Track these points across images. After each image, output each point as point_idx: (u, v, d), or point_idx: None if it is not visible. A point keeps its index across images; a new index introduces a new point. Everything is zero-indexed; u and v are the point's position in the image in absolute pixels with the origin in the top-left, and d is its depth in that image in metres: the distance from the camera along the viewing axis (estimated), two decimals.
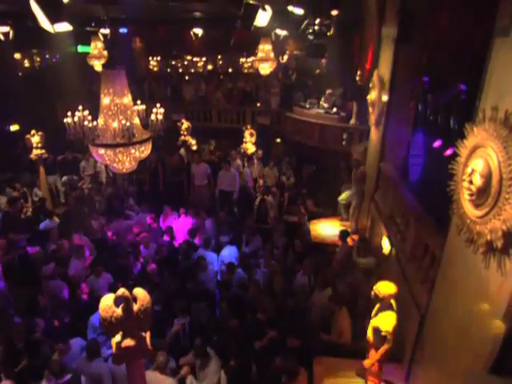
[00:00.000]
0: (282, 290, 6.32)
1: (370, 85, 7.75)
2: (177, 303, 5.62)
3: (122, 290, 2.69)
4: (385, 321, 4.13)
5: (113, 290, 2.81)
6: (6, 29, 11.27)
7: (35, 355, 5.12)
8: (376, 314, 4.30)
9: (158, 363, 4.50)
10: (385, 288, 4.14)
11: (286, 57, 16.74)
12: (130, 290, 2.76)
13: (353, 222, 8.27)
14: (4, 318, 5.63)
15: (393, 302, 4.19)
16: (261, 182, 10.49)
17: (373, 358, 4.31)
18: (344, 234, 7.32)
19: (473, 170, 2.98)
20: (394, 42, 6.87)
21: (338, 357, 5.12)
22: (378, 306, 4.29)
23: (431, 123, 6.05)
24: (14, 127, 13.68)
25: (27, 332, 5.36)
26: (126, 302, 2.68)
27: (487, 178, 2.84)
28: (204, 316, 5.73)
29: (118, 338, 2.80)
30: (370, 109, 7.79)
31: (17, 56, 16.49)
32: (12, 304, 6.24)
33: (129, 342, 2.77)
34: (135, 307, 2.73)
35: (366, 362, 4.38)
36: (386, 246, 6.17)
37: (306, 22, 7.92)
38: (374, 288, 4.21)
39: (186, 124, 11.82)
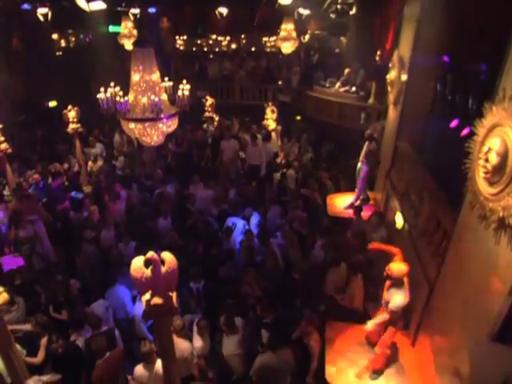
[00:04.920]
0: (297, 260, 6.37)
1: (390, 64, 7.47)
2: (192, 269, 5.70)
3: (150, 253, 2.76)
4: (397, 299, 4.11)
5: (141, 253, 2.88)
6: (45, 10, 11.34)
7: (72, 310, 5.38)
8: (387, 290, 4.27)
9: (175, 326, 4.49)
10: (397, 268, 4.11)
11: (307, 36, 16.26)
12: (159, 254, 2.84)
13: (357, 194, 8.13)
14: (49, 276, 5.90)
15: (405, 279, 4.15)
16: (282, 156, 10.45)
17: (383, 340, 4.33)
18: (358, 209, 7.26)
19: (489, 149, 2.88)
20: (416, 22, 6.55)
21: (348, 322, 5.18)
22: (388, 283, 4.26)
23: (449, 102, 5.83)
24: (53, 103, 13.92)
25: (66, 289, 5.63)
26: (154, 264, 2.76)
27: (503, 156, 2.75)
28: (233, 273, 5.83)
29: (147, 296, 2.91)
30: (389, 88, 7.54)
31: (54, 36, 16.57)
32: (54, 263, 6.55)
33: (157, 300, 2.87)
34: (163, 269, 2.81)
35: (368, 326, 4.44)
36: (399, 220, 6.10)
37: (329, 1, 7.60)
38: (386, 268, 4.17)
39: (210, 101, 11.75)
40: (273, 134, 10.72)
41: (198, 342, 4.79)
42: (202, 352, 4.78)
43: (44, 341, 4.75)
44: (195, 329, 4.85)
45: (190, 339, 4.84)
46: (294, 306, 5.50)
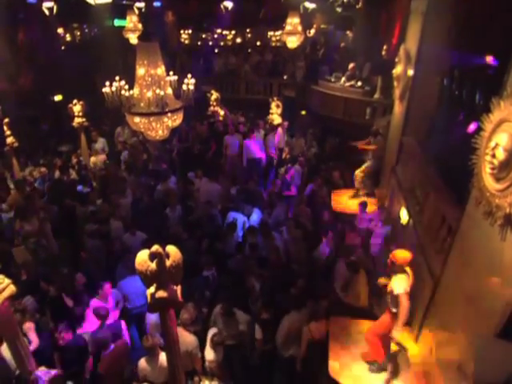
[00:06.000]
0: (303, 256, 6.38)
1: (396, 59, 7.41)
2: (204, 258, 5.76)
3: (156, 247, 2.78)
4: (397, 283, 4.04)
5: (147, 246, 2.90)
6: (50, 4, 11.33)
7: (78, 303, 5.44)
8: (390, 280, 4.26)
9: (183, 320, 4.50)
10: (401, 255, 4.08)
11: (312, 31, 16.15)
12: (164, 247, 2.85)
13: (360, 188, 8.12)
14: (55, 269, 5.95)
15: (407, 269, 4.11)
16: (286, 151, 10.41)
17: (397, 324, 4.07)
18: (363, 205, 7.25)
19: (496, 144, 2.87)
20: (423, 16, 6.48)
21: (352, 317, 5.19)
22: (393, 272, 4.23)
23: (456, 98, 5.78)
24: (58, 97, 13.97)
25: (71, 281, 5.68)
26: (159, 257, 2.78)
27: (511, 152, 2.73)
28: (242, 266, 5.85)
29: (152, 289, 2.93)
30: (395, 83, 7.48)
31: (59, 30, 16.57)
32: (59, 257, 6.59)
33: (162, 294, 2.89)
34: (168, 263, 2.82)
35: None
36: (404, 216, 6.08)
37: None
38: (390, 255, 4.16)
39: (215, 95, 11.73)
40: (279, 129, 10.67)
41: (209, 355, 4.66)
42: (212, 365, 4.66)
43: (28, 325, 4.72)
44: (209, 342, 4.68)
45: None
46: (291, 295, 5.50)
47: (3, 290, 3.61)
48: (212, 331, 4.72)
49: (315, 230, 7.06)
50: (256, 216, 7.24)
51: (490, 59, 4.95)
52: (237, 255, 6.12)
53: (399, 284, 4.01)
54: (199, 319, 5.06)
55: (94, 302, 5.31)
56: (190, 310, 4.85)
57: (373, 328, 4.44)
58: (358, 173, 8.25)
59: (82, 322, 5.08)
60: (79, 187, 8.61)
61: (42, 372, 3.95)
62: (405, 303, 3.95)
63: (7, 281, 3.69)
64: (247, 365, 4.96)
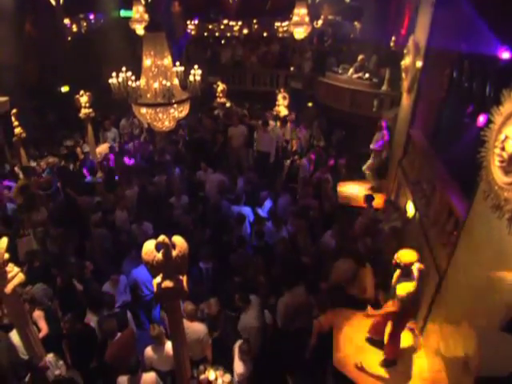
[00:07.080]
0: (306, 246, 6.37)
1: (405, 50, 7.31)
2: (203, 249, 5.72)
3: (162, 237, 2.79)
4: (402, 288, 4.02)
5: (154, 237, 2.92)
6: None
7: (86, 291, 5.50)
8: (397, 281, 4.16)
9: (188, 312, 4.49)
10: (406, 256, 4.00)
11: (320, 22, 15.98)
12: (170, 238, 2.87)
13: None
14: (62, 259, 6.02)
15: (413, 268, 4.02)
16: (293, 143, 10.37)
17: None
18: (369, 198, 7.20)
19: (506, 137, 2.83)
20: (433, 6, 6.37)
21: (357, 309, 5.19)
22: (398, 272, 4.15)
23: (466, 90, 5.69)
24: (65, 88, 13.98)
25: (79, 271, 5.74)
26: (165, 247, 2.80)
27: None
28: (243, 261, 5.84)
29: (158, 279, 2.95)
30: (403, 75, 7.39)
31: (66, 21, 16.52)
32: (65, 248, 6.65)
33: (168, 284, 2.92)
34: (174, 253, 2.84)
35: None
36: (410, 209, 6.04)
37: None
38: (395, 256, 4.07)
39: (221, 86, 11.67)
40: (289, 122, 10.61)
41: (239, 368, 4.34)
42: (243, 378, 4.36)
43: (38, 313, 4.80)
44: (237, 353, 4.40)
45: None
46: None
47: (13, 278, 3.66)
48: (239, 342, 4.49)
49: (321, 220, 7.06)
50: (269, 205, 7.28)
51: (500, 51, 4.85)
52: (239, 249, 6.09)
53: (406, 290, 3.99)
54: (222, 320, 5.05)
55: (105, 287, 5.46)
56: (212, 304, 4.92)
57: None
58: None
59: (90, 310, 5.13)
60: (88, 178, 8.65)
61: (53, 358, 4.04)
62: (397, 308, 4.07)
63: (16, 269, 3.74)
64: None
